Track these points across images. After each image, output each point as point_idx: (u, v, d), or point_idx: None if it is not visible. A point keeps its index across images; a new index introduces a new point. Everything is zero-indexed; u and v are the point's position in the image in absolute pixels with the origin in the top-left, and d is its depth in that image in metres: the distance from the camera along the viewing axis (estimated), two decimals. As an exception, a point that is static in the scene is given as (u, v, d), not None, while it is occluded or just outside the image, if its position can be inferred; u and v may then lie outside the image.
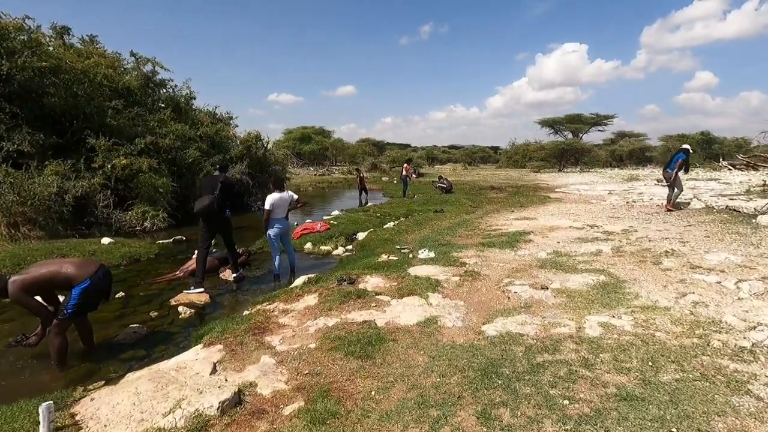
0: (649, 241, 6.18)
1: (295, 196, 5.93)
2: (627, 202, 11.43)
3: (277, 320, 3.83)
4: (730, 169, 28.91)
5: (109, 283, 3.51)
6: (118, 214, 9.27)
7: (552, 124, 53.38)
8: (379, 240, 7.41)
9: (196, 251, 5.53)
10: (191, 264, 6.00)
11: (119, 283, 5.56)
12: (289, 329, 3.57)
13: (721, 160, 33.69)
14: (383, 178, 29.81)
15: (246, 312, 4.22)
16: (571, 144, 39.15)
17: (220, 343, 3.25)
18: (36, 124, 9.15)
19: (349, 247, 7.51)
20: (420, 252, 6.30)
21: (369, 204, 14.20)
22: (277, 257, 5.79)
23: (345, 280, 4.80)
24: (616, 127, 55.32)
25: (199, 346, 3.30)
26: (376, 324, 3.46)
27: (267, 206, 5.56)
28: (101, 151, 9.36)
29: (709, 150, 46.71)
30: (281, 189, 5.73)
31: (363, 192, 17.22)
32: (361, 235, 8.24)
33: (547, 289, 4.18)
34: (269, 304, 4.38)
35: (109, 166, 9.27)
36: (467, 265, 5.32)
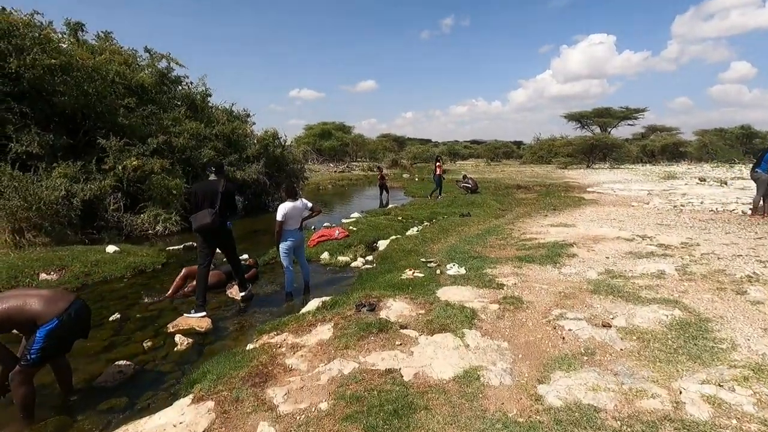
0: (719, 259, 5.30)
1: (310, 204, 5.31)
2: (674, 207, 10.39)
3: (284, 361, 3.21)
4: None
5: (84, 321, 2.95)
6: (129, 218, 8.89)
7: (579, 118, 51.46)
8: (402, 250, 6.74)
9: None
10: (210, 277, 5.46)
11: (118, 302, 5.08)
12: (297, 376, 2.95)
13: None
14: (404, 175, 29.08)
15: (250, 346, 3.63)
16: (601, 139, 37.38)
17: (212, 399, 2.65)
18: (46, 124, 8.83)
19: (369, 257, 6.86)
20: (449, 267, 5.60)
21: (390, 205, 13.52)
22: (290, 273, 5.20)
23: (365, 306, 4.16)
24: (646, 121, 52.62)
25: (187, 399, 2.71)
26: (402, 376, 2.80)
27: (279, 217, 4.95)
28: (112, 152, 8.98)
29: (749, 145, 44.17)
30: (294, 197, 5.12)
31: (384, 191, 16.58)
32: (382, 244, 7.59)
33: (610, 327, 3.42)
34: (277, 335, 3.78)
35: (120, 167, 8.88)
36: (505, 288, 4.60)
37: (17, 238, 6.88)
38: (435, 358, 3.03)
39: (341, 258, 6.76)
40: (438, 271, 5.46)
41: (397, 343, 3.35)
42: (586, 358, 2.95)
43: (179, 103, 12.18)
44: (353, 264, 6.57)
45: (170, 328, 4.21)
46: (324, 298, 4.49)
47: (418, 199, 16.28)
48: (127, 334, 4.14)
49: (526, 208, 11.39)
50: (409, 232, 8.50)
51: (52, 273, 5.69)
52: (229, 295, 5.23)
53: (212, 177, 4.64)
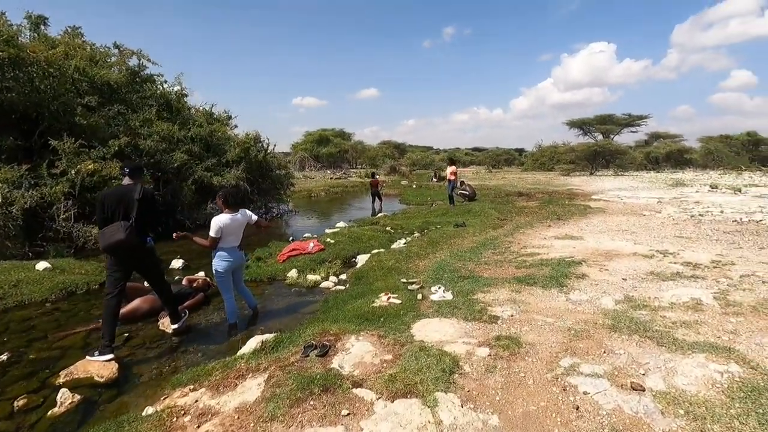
0: (764, 283, 4.31)
1: (254, 217, 4.36)
2: (691, 216, 9.40)
3: (179, 442, 2.25)
4: (788, 173, 25.98)
5: None
6: (81, 228, 7.94)
7: (581, 125, 50.73)
8: (381, 268, 5.76)
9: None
10: (142, 302, 4.52)
11: (20, 335, 4.11)
12: (184, 475, 1.98)
13: (777, 162, 30.55)
14: (402, 182, 28.15)
15: (149, 410, 2.66)
16: (605, 145, 36.41)
17: None
18: (-3, 125, 7.96)
19: (344, 276, 5.90)
20: (433, 290, 4.64)
21: (381, 214, 12.56)
22: (231, 302, 4.23)
23: (315, 348, 3.20)
24: (648, 128, 51.82)
25: None
26: (332, 485, 1.83)
27: (213, 233, 3.98)
28: (65, 155, 8.07)
29: (756, 152, 43.19)
30: (234, 207, 4.17)
31: (377, 199, 15.64)
32: (361, 259, 6.61)
33: (643, 390, 2.44)
34: (192, 391, 2.83)
35: (72, 171, 7.96)
36: (500, 321, 3.63)
37: (-62, 252, 5.94)
38: (389, 447, 2.06)
39: (310, 277, 5.79)
40: (419, 296, 4.49)
41: (343, 412, 2.38)
42: (614, 450, 1.97)
43: (153, 103, 11.29)
44: (323, 284, 5.59)
45: (62, 378, 3.23)
46: (266, 336, 3.52)
47: (413, 207, 15.35)
48: (2, 386, 3.16)
49: (528, 218, 10.42)
50: (394, 245, 7.53)
51: (-45, 297, 4.74)
52: (160, 327, 4.25)
53: (126, 181, 3.66)
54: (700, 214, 9.51)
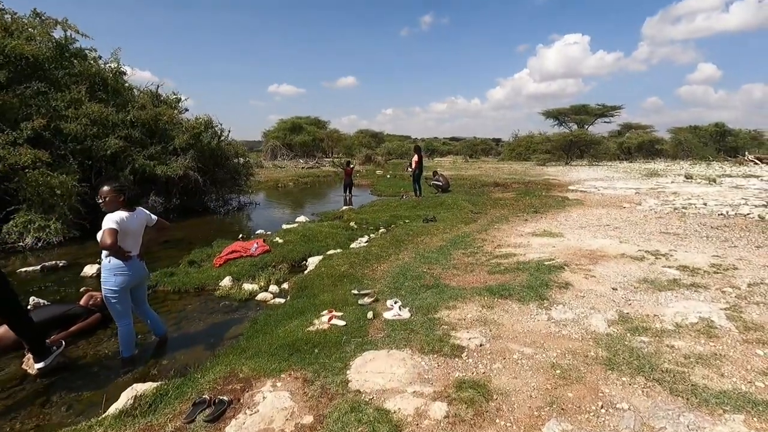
0: (778, 294, 3.63)
1: (154, 217, 3.38)
2: (674, 209, 8.84)
3: None
4: (756, 163, 26.38)
5: None
6: (-17, 227, 6.72)
7: (557, 116, 50.82)
8: (331, 275, 4.85)
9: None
10: (7, 331, 3.46)
11: None
12: None
13: (746, 153, 31.09)
14: (377, 172, 27.20)
15: None
16: (580, 135, 36.37)
17: None
18: None
19: (286, 285, 4.96)
20: (388, 305, 3.79)
21: (345, 207, 11.61)
22: (128, 328, 3.25)
23: (206, 407, 2.29)
24: (620, 119, 52.59)
25: None
26: None
27: (110, 238, 2.94)
28: (-38, 140, 6.80)
29: (722, 142, 44.12)
30: (130, 205, 3.17)
31: (348, 190, 14.73)
32: (312, 262, 5.69)
33: (668, 487, 1.64)
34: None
35: (-29, 159, 6.70)
36: (464, 354, 2.79)
37: None
38: None
39: (247, 286, 4.84)
40: (370, 314, 3.62)
41: None
42: None
43: (85, 82, 9.89)
44: (260, 296, 4.65)
45: None
46: (145, 387, 2.56)
47: (385, 198, 14.46)
48: None
49: (504, 211, 9.69)
50: (354, 245, 6.63)
51: None
52: (23, 366, 3.22)
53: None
54: (683, 207, 8.96)
